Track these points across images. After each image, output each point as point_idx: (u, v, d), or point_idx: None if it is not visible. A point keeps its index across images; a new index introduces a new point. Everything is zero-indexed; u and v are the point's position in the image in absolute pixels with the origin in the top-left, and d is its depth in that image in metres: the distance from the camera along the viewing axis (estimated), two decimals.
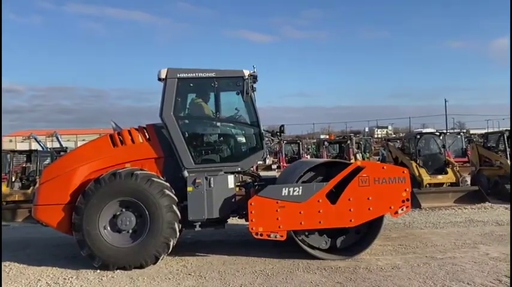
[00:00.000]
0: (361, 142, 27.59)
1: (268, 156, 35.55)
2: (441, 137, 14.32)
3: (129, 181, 6.31)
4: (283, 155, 24.48)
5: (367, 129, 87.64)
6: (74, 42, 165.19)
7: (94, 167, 6.69)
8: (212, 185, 6.66)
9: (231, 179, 6.83)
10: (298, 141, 27.29)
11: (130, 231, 6.42)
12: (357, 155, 18.91)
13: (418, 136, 14.23)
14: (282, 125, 7.53)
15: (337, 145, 22.54)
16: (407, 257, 6.45)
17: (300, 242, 6.54)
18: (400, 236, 7.87)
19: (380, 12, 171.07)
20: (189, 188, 6.63)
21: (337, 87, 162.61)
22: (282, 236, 6.35)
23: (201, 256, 6.93)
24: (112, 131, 7.31)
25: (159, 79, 6.99)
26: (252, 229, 6.31)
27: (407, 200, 6.44)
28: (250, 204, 6.32)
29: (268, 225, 6.30)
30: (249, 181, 7.53)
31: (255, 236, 6.35)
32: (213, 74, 6.94)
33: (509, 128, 14.20)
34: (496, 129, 25.89)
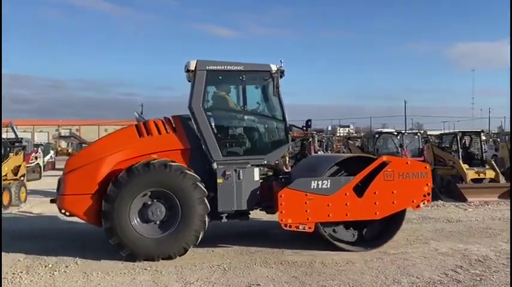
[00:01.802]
0: (323, 140, 27.99)
1: None
2: (398, 137, 14.79)
3: (163, 172, 6.26)
4: None
5: (329, 128, 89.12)
6: (31, 30, 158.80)
7: (121, 157, 6.62)
8: (241, 177, 6.75)
9: (256, 171, 6.91)
10: None
11: (159, 222, 6.38)
12: (319, 152, 19.20)
13: (377, 135, 14.64)
14: (309, 120, 7.50)
15: (300, 142, 22.77)
16: (363, 253, 6.60)
17: (326, 235, 6.69)
18: None
19: (346, 13, 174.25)
20: (219, 180, 6.69)
21: (302, 86, 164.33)
22: (310, 228, 6.49)
23: None
24: (135, 121, 7.27)
25: (187, 71, 7.00)
26: (281, 220, 6.42)
27: (428, 194, 6.76)
28: (280, 196, 6.40)
29: (297, 217, 6.43)
30: (270, 173, 7.43)
31: (284, 228, 6.47)
32: (241, 67, 6.97)
33: (510, 128, 14.80)
34: (451, 131, 27.01)
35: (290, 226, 6.45)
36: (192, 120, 6.86)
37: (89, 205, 6.39)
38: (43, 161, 25.44)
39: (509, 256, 6.32)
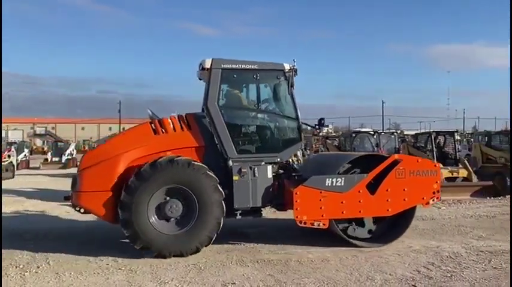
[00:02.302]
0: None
1: None
2: (375, 136, 14.99)
3: (186, 170, 6.31)
4: None
5: (309, 128, 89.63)
6: (5, 25, 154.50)
7: (137, 154, 6.66)
8: (257, 175, 6.81)
9: (269, 169, 6.97)
10: None
11: (174, 219, 6.43)
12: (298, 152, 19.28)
13: (354, 135, 14.81)
14: (322, 118, 7.61)
15: None
16: (337, 250, 6.68)
17: (340, 232, 6.81)
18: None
19: (327, 13, 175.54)
20: (235, 177, 6.75)
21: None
22: (324, 224, 6.61)
23: (134, 250, 6.75)
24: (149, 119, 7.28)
25: (203, 69, 7.03)
26: (296, 217, 6.51)
27: (438, 191, 6.92)
28: (296, 193, 6.48)
29: (312, 214, 6.54)
30: (281, 171, 7.44)
31: (299, 225, 6.55)
32: (255, 66, 7.07)
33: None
34: (426, 131, 27.57)
35: (305, 223, 6.56)
36: (208, 118, 6.93)
37: (106, 202, 6.40)
38: (16, 160, 24.85)
39: (479, 252, 6.49)
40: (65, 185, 17.39)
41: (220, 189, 6.44)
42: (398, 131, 28.42)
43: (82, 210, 6.78)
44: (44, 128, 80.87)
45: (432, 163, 7.30)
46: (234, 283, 5.24)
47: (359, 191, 6.63)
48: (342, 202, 6.58)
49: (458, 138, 29.17)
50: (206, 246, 6.47)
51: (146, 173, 6.22)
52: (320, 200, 6.52)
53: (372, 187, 6.72)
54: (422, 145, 15.12)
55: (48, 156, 32.36)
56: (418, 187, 6.82)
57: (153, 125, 6.98)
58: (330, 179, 6.58)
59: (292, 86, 7.07)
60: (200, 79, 7.81)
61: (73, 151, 33.28)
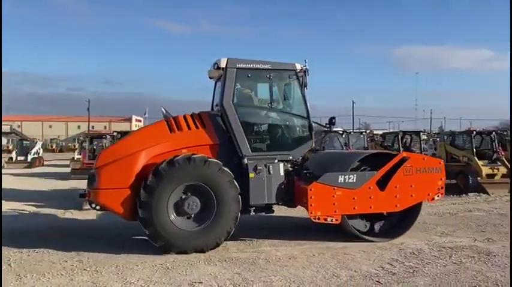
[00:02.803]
0: None
1: None
2: (344, 136, 15.23)
3: (202, 167, 6.43)
4: None
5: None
6: None
7: (154, 151, 6.72)
8: (271, 172, 6.99)
9: (281, 166, 7.13)
10: None
11: (193, 216, 6.53)
12: None
13: (323, 134, 14.98)
14: (333, 117, 7.75)
15: None
16: (305, 247, 6.78)
17: (352, 228, 7.07)
18: (298, 228, 8.21)
19: (297, 12, 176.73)
20: (251, 175, 6.90)
21: None
22: (337, 220, 6.82)
23: (100, 251, 6.65)
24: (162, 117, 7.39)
25: (218, 68, 7.17)
26: (311, 213, 6.69)
27: (442, 188, 7.28)
28: (310, 190, 6.65)
29: (326, 209, 6.74)
30: (290, 169, 7.50)
31: (313, 220, 6.74)
32: (268, 66, 7.25)
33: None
34: (394, 130, 28.23)
35: (319, 218, 6.75)
36: (223, 116, 7.05)
37: (124, 199, 6.43)
38: None
39: (441, 249, 6.70)
40: (31, 184, 17.01)
41: (236, 184, 6.58)
42: (368, 131, 28.92)
43: (98, 207, 6.77)
44: (9, 126, 78.22)
45: (437, 160, 7.60)
46: (201, 282, 5.23)
47: (370, 188, 6.90)
48: (353, 198, 6.83)
49: (425, 137, 29.98)
50: (225, 240, 6.61)
51: (164, 171, 6.29)
52: (333, 196, 6.76)
53: (381, 184, 6.99)
54: (390, 144, 15.47)
55: (13, 155, 31.29)
56: (424, 183, 7.14)
57: (168, 123, 7.07)
58: (343, 176, 6.83)
59: (305, 86, 7.31)
60: (211, 78, 8.03)
61: (39, 149, 32.30)
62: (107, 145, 21.10)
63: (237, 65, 7.11)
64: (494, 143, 14.90)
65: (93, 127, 62.30)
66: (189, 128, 7.04)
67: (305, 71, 7.32)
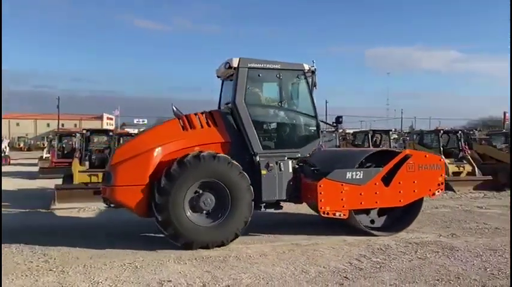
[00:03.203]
0: None
1: None
2: None
3: (212, 163, 6.56)
4: None
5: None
6: None
7: (168, 149, 6.82)
8: (282, 169, 7.22)
9: (290, 164, 7.37)
10: None
11: (209, 211, 6.69)
12: None
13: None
14: (340, 116, 8.01)
15: None
16: (275, 245, 6.84)
17: (362, 221, 7.40)
18: (270, 225, 8.26)
19: (269, 12, 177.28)
20: (263, 171, 7.11)
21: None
22: (344, 214, 7.10)
23: (67, 250, 6.52)
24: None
25: (229, 67, 7.31)
26: (320, 208, 6.96)
27: (442, 183, 7.62)
28: (320, 186, 6.93)
29: (334, 205, 7.02)
30: (296, 166, 7.65)
31: (322, 215, 7.04)
32: (278, 66, 7.45)
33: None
34: (367, 129, 28.72)
35: (328, 213, 7.03)
36: (235, 115, 7.20)
37: (141, 196, 6.51)
38: None
39: (407, 244, 6.88)
40: None
41: (246, 175, 6.75)
42: (340, 130, 29.31)
43: (113, 205, 6.83)
44: None
45: (437, 157, 7.95)
46: (170, 281, 5.19)
47: (375, 184, 7.20)
48: (360, 194, 7.13)
49: (395, 136, 30.61)
50: (243, 229, 6.80)
51: (176, 172, 6.40)
52: (341, 192, 7.03)
53: (385, 180, 7.29)
54: (360, 143, 15.74)
55: None
56: (425, 179, 7.47)
57: (181, 121, 7.17)
58: (351, 173, 7.11)
59: (315, 85, 7.58)
60: (218, 77, 8.26)
61: (6, 148, 31.31)
62: (76, 144, 20.66)
63: (249, 65, 7.29)
64: (460, 142, 15.38)
65: (63, 125, 60.58)
66: (201, 126, 7.19)
67: (313, 71, 7.60)
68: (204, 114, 7.34)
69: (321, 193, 6.94)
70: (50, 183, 13.85)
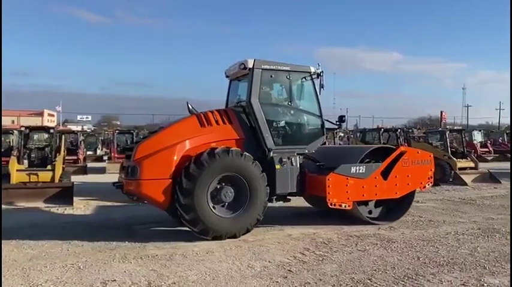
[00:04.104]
0: None
1: (100, 146, 33.69)
2: None
3: (239, 159, 7.07)
4: (115, 146, 23.36)
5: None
6: None
7: (189, 144, 7.17)
8: (293, 164, 7.77)
9: (298, 159, 7.89)
10: (132, 131, 26.36)
11: (227, 203, 7.11)
12: None
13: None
14: (343, 116, 8.68)
15: None
16: (222, 242, 6.90)
17: (361, 212, 8.08)
18: None
19: (218, 9, 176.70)
20: (277, 166, 7.62)
21: (179, 79, 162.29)
22: (349, 206, 7.75)
23: (4, 254, 6.22)
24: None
25: (244, 68, 7.75)
26: (328, 200, 7.57)
27: (431, 177, 8.50)
28: (328, 179, 7.55)
29: (340, 197, 7.67)
30: (300, 162, 8.07)
31: (330, 206, 7.63)
32: (288, 68, 7.99)
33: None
34: None
35: (335, 205, 7.65)
36: (250, 113, 7.66)
37: (165, 189, 6.82)
38: None
39: (348, 237, 7.20)
40: None
41: (265, 175, 7.29)
42: None
43: (135, 198, 7.14)
44: None
45: (428, 154, 8.71)
46: (115, 280, 5.12)
47: (375, 177, 7.92)
48: (363, 187, 7.80)
49: (341, 134, 31.65)
50: (254, 226, 7.25)
51: (206, 161, 6.81)
52: (346, 185, 7.68)
53: (383, 174, 8.00)
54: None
55: None
56: (418, 173, 8.30)
57: (198, 118, 7.50)
58: (355, 167, 7.80)
59: (322, 87, 8.11)
60: (227, 77, 8.79)
61: None
62: (14, 141, 19.59)
63: (263, 66, 7.76)
64: (399, 140, 16.19)
65: (14, 121, 57.20)
66: (217, 123, 7.56)
67: (319, 74, 8.14)
68: (219, 112, 7.74)
69: (329, 186, 7.55)
70: None
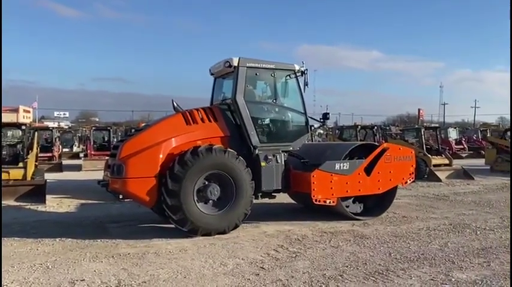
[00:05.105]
0: None
1: (76, 143, 33.08)
2: None
3: (223, 156, 7.07)
4: (92, 143, 22.98)
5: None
6: None
7: (175, 142, 7.17)
8: (279, 161, 7.82)
9: (283, 156, 7.96)
10: (109, 128, 25.93)
11: (214, 201, 7.13)
12: None
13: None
14: (327, 113, 8.72)
15: None
16: (196, 239, 6.85)
17: (345, 208, 8.20)
18: None
19: (200, 6, 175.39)
20: (263, 163, 7.67)
21: (157, 76, 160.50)
22: (333, 202, 7.86)
23: None
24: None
25: (230, 66, 7.76)
26: (313, 196, 7.65)
27: (412, 173, 8.65)
28: (313, 176, 7.62)
29: (325, 193, 7.75)
30: (285, 159, 8.13)
31: (315, 203, 7.71)
32: (272, 66, 8.07)
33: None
34: None
35: (319, 201, 7.74)
36: (235, 111, 7.69)
37: (151, 187, 6.81)
38: None
39: (322, 234, 7.24)
40: None
41: (249, 170, 7.32)
42: None
43: (121, 196, 7.07)
44: None
45: (409, 150, 8.96)
46: (84, 280, 5.03)
47: (359, 174, 8.04)
48: (346, 183, 7.91)
49: (322, 131, 31.85)
50: (242, 221, 7.32)
51: (189, 161, 6.81)
52: (331, 181, 7.77)
53: (366, 170, 8.13)
54: None
55: None
56: (400, 169, 8.46)
57: (184, 116, 7.49)
58: (339, 164, 7.89)
59: (306, 84, 8.16)
60: (212, 74, 8.75)
61: None
62: None
63: (247, 65, 7.78)
64: (376, 137, 16.40)
65: None
66: (203, 121, 7.58)
67: (303, 72, 8.18)
68: (204, 110, 7.73)
69: (314, 183, 7.62)
70: None
